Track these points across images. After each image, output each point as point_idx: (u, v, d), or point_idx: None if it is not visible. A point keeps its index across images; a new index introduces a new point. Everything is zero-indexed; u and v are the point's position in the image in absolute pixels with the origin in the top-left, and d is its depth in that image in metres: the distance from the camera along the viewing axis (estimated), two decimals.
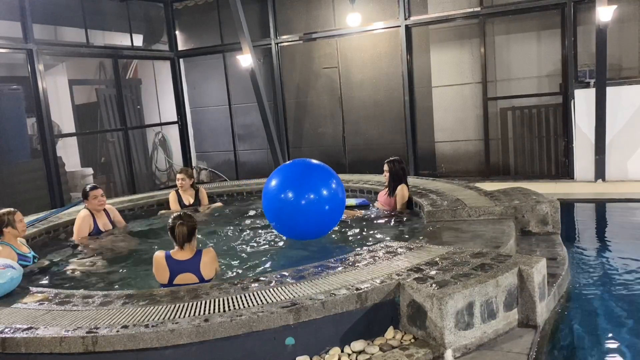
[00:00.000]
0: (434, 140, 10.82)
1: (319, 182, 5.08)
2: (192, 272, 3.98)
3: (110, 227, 6.18)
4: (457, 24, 10.27)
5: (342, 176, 6.41)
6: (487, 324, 3.28)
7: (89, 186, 6.15)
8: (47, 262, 5.14)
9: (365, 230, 5.62)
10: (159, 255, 4.04)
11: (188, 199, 7.16)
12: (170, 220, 4.09)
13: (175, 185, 7.40)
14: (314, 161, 5.41)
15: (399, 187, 6.09)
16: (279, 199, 5.02)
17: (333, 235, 5.55)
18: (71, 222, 6.21)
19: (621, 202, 7.77)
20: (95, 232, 5.97)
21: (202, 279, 3.99)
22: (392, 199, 6.14)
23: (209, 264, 4.04)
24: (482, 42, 10.02)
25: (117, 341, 2.95)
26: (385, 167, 6.19)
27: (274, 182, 5.14)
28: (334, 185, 5.14)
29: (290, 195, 4.97)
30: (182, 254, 4.03)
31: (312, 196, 4.96)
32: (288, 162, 5.55)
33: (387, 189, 6.27)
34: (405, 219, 5.87)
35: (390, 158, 6.25)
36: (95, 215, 6.02)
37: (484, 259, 3.70)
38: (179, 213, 4.18)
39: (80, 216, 5.98)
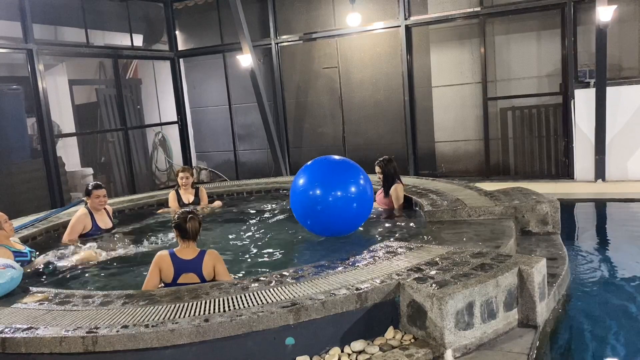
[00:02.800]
0: (434, 140, 10.82)
1: (349, 179, 5.09)
2: (194, 273, 3.96)
3: (111, 225, 6.16)
4: (457, 24, 10.27)
5: None
6: (487, 324, 3.28)
7: (92, 184, 6.09)
8: (47, 257, 5.12)
9: (365, 230, 5.62)
10: (164, 253, 4.00)
11: (188, 198, 7.15)
12: (176, 216, 4.07)
13: (175, 185, 7.39)
14: (342, 158, 5.43)
15: (393, 187, 6.08)
16: (307, 195, 5.04)
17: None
18: None
19: (621, 202, 7.77)
20: (95, 231, 5.92)
21: (203, 280, 3.97)
22: (388, 198, 6.14)
23: (211, 265, 4.01)
24: (482, 42, 10.02)
25: (117, 341, 2.95)
26: (377, 169, 6.18)
27: (303, 179, 5.16)
28: (362, 182, 5.15)
29: (318, 192, 4.99)
30: (186, 253, 4.00)
31: (339, 193, 4.98)
32: (317, 158, 5.53)
33: (382, 189, 6.26)
34: (405, 218, 5.86)
35: (381, 158, 6.23)
36: (94, 214, 5.97)
37: (484, 259, 3.70)
38: (185, 209, 4.16)
39: (77, 215, 5.90)
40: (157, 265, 3.96)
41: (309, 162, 5.39)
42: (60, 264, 5.06)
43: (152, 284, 3.95)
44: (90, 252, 5.31)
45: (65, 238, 5.82)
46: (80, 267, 5.02)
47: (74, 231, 5.82)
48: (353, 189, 5.05)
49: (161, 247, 5.36)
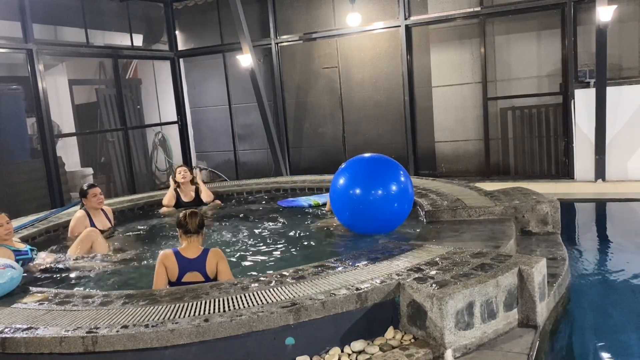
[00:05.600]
0: (434, 140, 10.82)
1: (389, 178, 5.11)
2: (199, 271, 3.97)
3: (109, 226, 6.15)
4: (457, 24, 10.27)
5: None
6: (487, 324, 3.28)
7: (86, 185, 6.11)
8: (47, 257, 5.12)
9: None
10: (168, 252, 4.00)
11: (188, 196, 7.13)
12: (180, 215, 4.11)
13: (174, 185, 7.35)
14: (382, 156, 5.46)
15: None
16: (347, 193, 5.08)
17: (332, 235, 5.56)
18: None
19: (621, 202, 7.77)
20: None
21: (207, 278, 3.98)
22: None
23: (214, 263, 4.01)
24: (482, 42, 10.02)
25: (117, 341, 2.95)
26: None
27: (344, 178, 5.18)
28: (402, 179, 5.18)
29: (358, 191, 5.02)
30: (190, 252, 4.01)
31: (380, 192, 5.00)
32: (358, 157, 5.54)
33: None
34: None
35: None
36: (92, 215, 5.94)
37: (484, 259, 3.70)
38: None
39: (75, 217, 5.90)
40: (162, 263, 3.96)
41: (343, 165, 5.42)
42: (60, 264, 5.06)
43: (162, 283, 3.94)
44: (90, 252, 5.30)
45: (72, 248, 5.78)
46: (80, 267, 5.01)
47: (76, 232, 5.77)
48: (394, 187, 5.06)
49: (161, 247, 5.37)
